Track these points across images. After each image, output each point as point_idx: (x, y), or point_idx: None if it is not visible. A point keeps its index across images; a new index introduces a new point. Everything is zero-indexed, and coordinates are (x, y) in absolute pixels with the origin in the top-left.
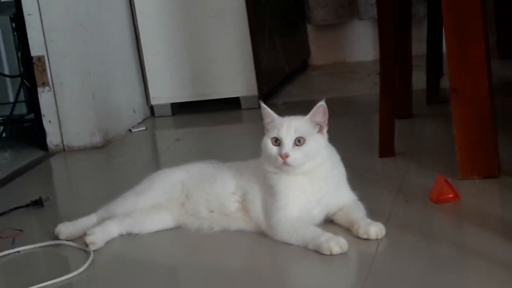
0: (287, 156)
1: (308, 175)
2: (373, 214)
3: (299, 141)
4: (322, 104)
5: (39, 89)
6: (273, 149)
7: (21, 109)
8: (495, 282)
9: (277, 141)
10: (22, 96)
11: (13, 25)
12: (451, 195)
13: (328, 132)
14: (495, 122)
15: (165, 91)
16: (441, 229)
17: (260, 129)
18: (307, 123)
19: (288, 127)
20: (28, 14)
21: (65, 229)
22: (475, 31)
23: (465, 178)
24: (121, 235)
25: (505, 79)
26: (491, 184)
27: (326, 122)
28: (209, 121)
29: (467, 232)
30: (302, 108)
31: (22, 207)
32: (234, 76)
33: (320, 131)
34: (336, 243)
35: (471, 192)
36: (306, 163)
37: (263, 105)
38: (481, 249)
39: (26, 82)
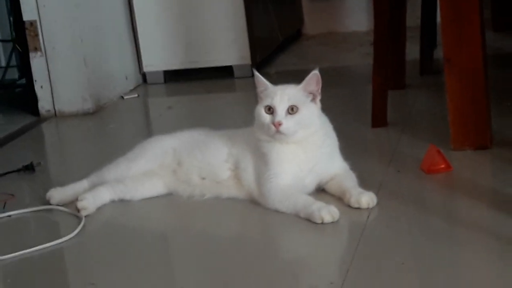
0: (280, 124)
1: (301, 144)
2: (364, 183)
3: (292, 109)
4: (315, 73)
5: (31, 54)
6: (266, 117)
7: (13, 74)
8: (485, 251)
9: (270, 110)
10: (14, 61)
11: None
12: (443, 166)
13: (321, 101)
14: (488, 94)
15: (158, 58)
16: (432, 199)
17: (253, 97)
18: (300, 92)
19: (281, 96)
20: None
21: (57, 194)
22: (470, 2)
23: (457, 149)
24: (113, 201)
25: (498, 51)
26: (483, 155)
27: (319, 91)
28: (201, 89)
29: (458, 203)
30: (295, 77)
31: (13, 171)
32: (227, 45)
33: (313, 100)
34: (328, 212)
35: (463, 162)
36: (299, 132)
37: (256, 73)
38: (472, 220)
39: (18, 47)
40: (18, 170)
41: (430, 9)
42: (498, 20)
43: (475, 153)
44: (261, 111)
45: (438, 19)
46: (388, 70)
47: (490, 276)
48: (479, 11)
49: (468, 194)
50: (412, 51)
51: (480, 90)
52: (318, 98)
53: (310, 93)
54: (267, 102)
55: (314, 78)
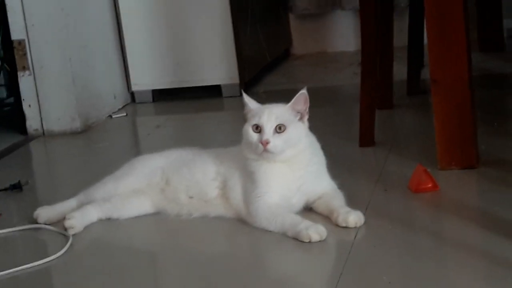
0: (267, 142)
1: (288, 163)
2: (352, 202)
3: (279, 128)
4: (303, 92)
5: (19, 73)
6: (254, 136)
7: (1, 93)
8: (472, 271)
9: (257, 128)
10: (2, 80)
11: None
12: (430, 185)
13: (309, 121)
14: (474, 114)
15: (146, 77)
16: (419, 218)
17: (241, 117)
18: (288, 111)
19: (269, 115)
20: None
21: (44, 213)
22: (457, 23)
23: (444, 168)
24: (101, 220)
25: (485, 71)
26: (470, 175)
27: (307, 110)
28: (190, 108)
29: (445, 222)
30: (283, 96)
31: (0, 190)
32: (216, 64)
33: (301, 119)
34: (315, 231)
35: (450, 182)
36: (286, 151)
37: (244, 94)
38: (459, 239)
39: (6, 66)
40: (6, 189)
41: (417, 29)
42: (485, 41)
43: (462, 172)
44: (248, 130)
45: (425, 39)
46: (376, 90)
47: None
48: (465, 31)
49: (455, 213)
50: (400, 71)
51: (466, 110)
52: (306, 117)
53: (298, 112)
54: (254, 121)
55: (302, 97)
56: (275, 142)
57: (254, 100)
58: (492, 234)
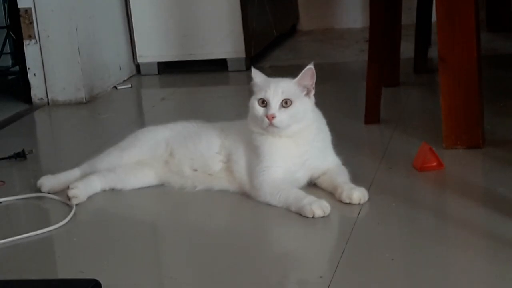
0: (273, 117)
1: (294, 138)
2: (356, 179)
3: (285, 102)
4: (310, 67)
5: (25, 42)
6: (260, 110)
7: (6, 61)
8: (475, 250)
9: (263, 102)
10: (7, 48)
11: None
12: (434, 164)
13: (315, 97)
14: (481, 93)
15: (152, 49)
16: (423, 196)
17: (246, 91)
18: (295, 86)
19: (275, 89)
20: None
21: (48, 182)
22: (466, 2)
23: (449, 147)
24: (104, 190)
25: (492, 51)
26: (475, 154)
27: (314, 85)
28: (195, 81)
29: (449, 200)
30: (289, 72)
31: (4, 158)
32: (222, 38)
33: (307, 94)
34: (319, 206)
35: (454, 161)
36: (292, 125)
37: (253, 68)
38: (463, 218)
39: (12, 34)
40: (9, 157)
41: (426, 8)
42: (493, 21)
43: (467, 151)
44: (254, 104)
45: (434, 18)
46: (383, 68)
47: (479, 274)
48: (474, 11)
49: (459, 192)
50: (407, 49)
51: (473, 90)
52: (312, 92)
53: (305, 87)
54: (260, 95)
55: (309, 72)
56: (281, 116)
57: (263, 74)
58: (496, 213)
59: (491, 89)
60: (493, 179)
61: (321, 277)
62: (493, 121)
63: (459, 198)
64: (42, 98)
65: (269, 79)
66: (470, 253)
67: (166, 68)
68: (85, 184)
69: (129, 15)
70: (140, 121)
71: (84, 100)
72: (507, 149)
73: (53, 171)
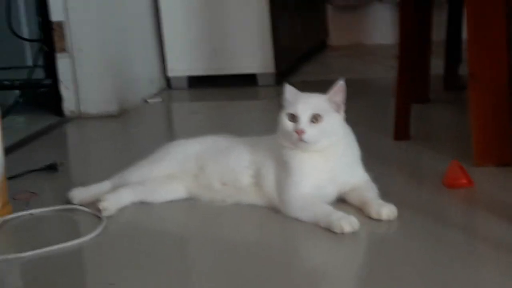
0: (302, 132)
1: (323, 153)
2: (385, 195)
3: (315, 118)
4: (341, 83)
5: (58, 55)
6: (289, 125)
7: (39, 74)
8: (504, 269)
9: (293, 117)
10: (40, 61)
11: None
12: (464, 181)
13: (344, 112)
14: (511, 111)
15: (183, 63)
16: (452, 214)
17: (275, 106)
18: (325, 101)
19: (305, 104)
20: None
21: (79, 194)
22: (497, 18)
23: (479, 165)
24: (134, 203)
25: None
26: (505, 172)
27: (344, 101)
28: (224, 96)
29: (478, 219)
30: (318, 87)
31: (36, 170)
32: (252, 53)
33: (337, 110)
34: (348, 222)
35: (484, 179)
36: (322, 141)
37: (287, 84)
38: (492, 236)
39: (45, 47)
40: (41, 169)
41: (456, 24)
42: None
43: (497, 169)
44: (284, 119)
45: (464, 34)
46: (412, 84)
47: None
48: (505, 27)
49: (489, 210)
50: (437, 66)
51: (504, 107)
52: (343, 108)
53: (335, 103)
54: (290, 109)
55: (340, 88)
56: (310, 132)
57: (296, 89)
58: None
59: None
60: None
61: None
62: None
63: (489, 216)
64: (73, 111)
65: (300, 94)
66: (499, 272)
67: (196, 82)
68: (116, 197)
69: (160, 29)
70: (170, 135)
71: (115, 113)
72: None
73: (84, 184)
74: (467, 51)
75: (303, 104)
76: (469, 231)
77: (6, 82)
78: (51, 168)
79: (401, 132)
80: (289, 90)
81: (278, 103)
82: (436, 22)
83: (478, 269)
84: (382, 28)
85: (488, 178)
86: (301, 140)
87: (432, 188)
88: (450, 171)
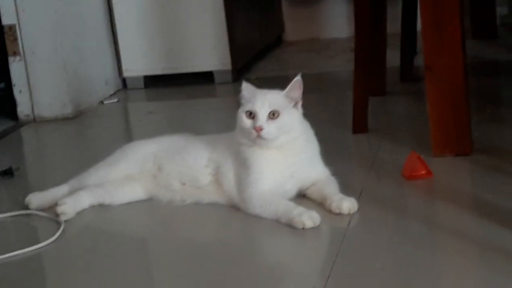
0: (261, 129)
1: (282, 149)
2: (345, 189)
3: (273, 114)
4: (298, 79)
5: (10, 58)
6: (247, 122)
7: None
8: (464, 257)
9: (251, 114)
10: None
11: None
12: (423, 172)
13: (302, 107)
14: (468, 101)
15: (138, 63)
16: (413, 205)
17: (233, 103)
18: (282, 97)
19: (263, 101)
20: None
21: (36, 199)
22: (451, 10)
23: (437, 155)
24: (93, 206)
25: (478, 58)
26: (463, 162)
27: (301, 96)
28: (182, 94)
29: (438, 209)
30: (275, 83)
31: None
32: (208, 50)
33: (295, 105)
34: (309, 217)
35: (443, 169)
36: (280, 137)
37: (244, 82)
38: (452, 226)
39: None
40: None
41: (411, 16)
42: (478, 28)
43: (456, 159)
44: (242, 116)
45: (419, 26)
46: (369, 77)
47: (468, 281)
48: (459, 18)
49: (449, 200)
50: (393, 58)
51: (460, 97)
52: (300, 103)
53: (292, 98)
54: (248, 107)
55: (297, 83)
56: (269, 128)
57: (253, 86)
58: (485, 221)
59: (477, 97)
60: (482, 186)
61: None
62: (480, 128)
63: (448, 206)
64: (28, 115)
65: (257, 90)
66: (460, 261)
67: (152, 82)
68: (74, 200)
69: (114, 29)
70: (128, 136)
71: (71, 115)
72: (495, 156)
73: (41, 188)
74: (422, 43)
75: (260, 101)
76: (429, 221)
77: None
78: (7, 173)
79: (360, 125)
80: (246, 87)
81: (236, 101)
82: (391, 14)
83: (440, 259)
84: (337, 22)
85: (447, 168)
86: (260, 137)
87: (392, 180)
88: (409, 163)
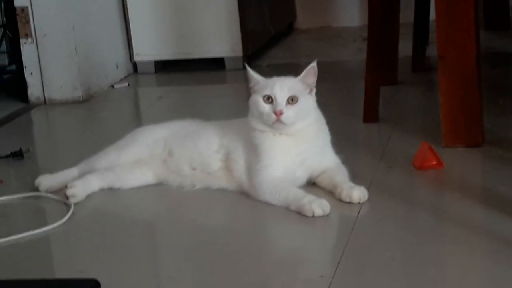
0: (281, 113)
1: (294, 136)
2: (356, 178)
3: (291, 99)
4: (313, 65)
5: (22, 40)
6: (266, 106)
7: (3, 60)
8: (474, 249)
9: (269, 99)
10: (4, 47)
11: None
12: (434, 162)
13: (315, 95)
14: (480, 92)
15: (149, 48)
16: (423, 195)
17: (244, 89)
18: (299, 83)
19: (282, 86)
20: None
21: (46, 181)
22: (465, 0)
23: (448, 146)
24: (102, 189)
25: (490, 49)
26: (474, 153)
27: (315, 83)
28: (192, 80)
29: (448, 200)
30: (286, 70)
31: (2, 157)
32: (219, 37)
33: (309, 92)
34: (319, 205)
35: (454, 160)
36: (297, 122)
37: (248, 68)
38: (462, 217)
39: (8, 33)
40: (7, 156)
41: (424, 6)
42: (490, 19)
43: (467, 150)
44: (259, 101)
45: (431, 16)
46: (381, 66)
47: (478, 273)
48: (474, 9)
49: (459, 191)
50: (405, 48)
51: (472, 88)
52: (314, 90)
53: (307, 85)
54: (266, 91)
55: (312, 70)
56: (288, 113)
57: (257, 73)
58: (495, 212)
59: (489, 88)
60: (493, 178)
61: (322, 276)
62: (492, 119)
63: (458, 197)
64: (39, 97)
65: (265, 78)
66: (469, 252)
67: (163, 67)
68: (83, 183)
69: (126, 13)
70: (138, 120)
71: (81, 98)
72: (506, 148)
73: (50, 170)
74: (435, 33)
75: (279, 85)
76: (439, 212)
77: None
78: (17, 155)
79: (371, 115)
80: (251, 74)
81: (246, 87)
82: (403, 4)
83: (449, 249)
84: (349, 10)
85: (457, 159)
86: (279, 121)
87: (402, 170)
88: (420, 153)
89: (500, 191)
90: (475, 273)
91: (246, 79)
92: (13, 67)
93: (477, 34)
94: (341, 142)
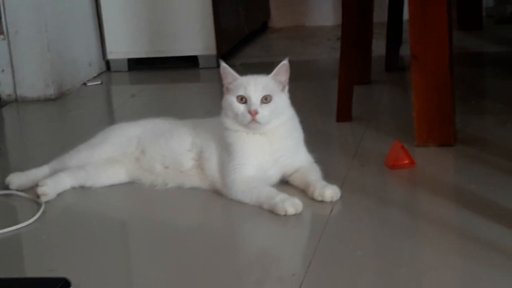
0: (256, 112)
1: (267, 135)
2: (328, 177)
3: (265, 98)
4: (285, 63)
5: None
6: (240, 107)
7: None
8: (445, 247)
9: (243, 99)
10: None
11: None
12: (406, 161)
13: (288, 93)
14: (453, 91)
15: (122, 46)
16: (395, 194)
17: (218, 88)
18: (272, 81)
19: (255, 85)
20: None
21: (16, 179)
22: (438, 0)
23: (421, 145)
24: (74, 188)
25: (463, 49)
26: (446, 152)
27: (287, 81)
28: (165, 78)
29: (420, 198)
30: (259, 69)
31: None
32: (193, 35)
33: (282, 89)
34: (291, 204)
35: (426, 159)
36: (273, 121)
37: (224, 64)
38: (434, 215)
39: None
40: None
41: (397, 6)
42: (463, 19)
43: (439, 149)
44: (233, 101)
45: (405, 16)
46: (354, 65)
47: (449, 271)
48: (447, 9)
49: (431, 190)
50: (378, 47)
51: (445, 88)
52: (287, 88)
53: (280, 82)
54: (239, 92)
55: (284, 67)
56: (263, 112)
57: (233, 70)
58: (467, 211)
59: (462, 88)
60: (465, 177)
61: (294, 274)
62: (464, 119)
63: (430, 196)
64: (10, 95)
65: (241, 76)
66: (441, 250)
67: (136, 65)
68: (55, 181)
69: (99, 11)
70: (110, 118)
71: (53, 96)
72: (478, 147)
73: (22, 168)
74: (408, 33)
75: (253, 85)
76: (411, 210)
77: None
78: None
79: (344, 114)
80: (228, 71)
81: (220, 86)
82: (377, 4)
83: (421, 247)
84: (323, 10)
85: (430, 158)
86: (255, 120)
87: (375, 169)
88: (392, 152)
89: (471, 189)
90: (447, 271)
91: (220, 78)
92: None
93: (450, 34)
94: (314, 141)
